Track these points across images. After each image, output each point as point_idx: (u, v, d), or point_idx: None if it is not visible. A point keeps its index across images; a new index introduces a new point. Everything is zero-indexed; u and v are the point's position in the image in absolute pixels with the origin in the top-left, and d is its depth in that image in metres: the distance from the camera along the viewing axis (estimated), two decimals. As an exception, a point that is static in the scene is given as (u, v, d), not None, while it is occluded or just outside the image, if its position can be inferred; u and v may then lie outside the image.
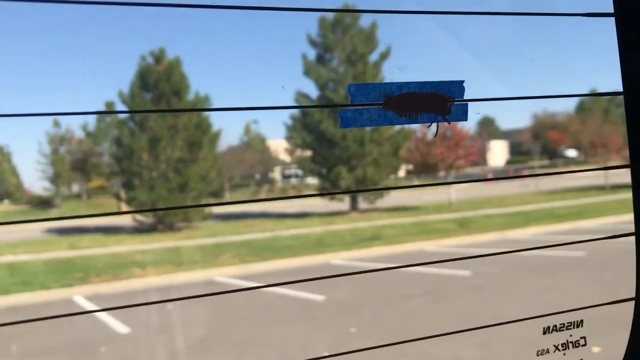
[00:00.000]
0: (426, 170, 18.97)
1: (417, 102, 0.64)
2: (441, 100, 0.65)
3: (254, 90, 22.89)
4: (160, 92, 15.38)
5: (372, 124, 0.63)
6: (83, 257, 11.50)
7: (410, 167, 19.79)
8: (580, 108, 23.52)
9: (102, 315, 6.45)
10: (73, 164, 18.46)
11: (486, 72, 22.10)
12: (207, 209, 15.59)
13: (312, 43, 16.65)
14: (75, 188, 20.66)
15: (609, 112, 22.08)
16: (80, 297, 8.17)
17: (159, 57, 15.60)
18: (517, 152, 27.70)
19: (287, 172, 22.94)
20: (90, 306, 7.56)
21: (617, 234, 0.83)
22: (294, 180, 22.83)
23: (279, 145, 20.84)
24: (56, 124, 17.75)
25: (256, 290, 7.14)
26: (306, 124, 17.06)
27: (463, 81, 0.66)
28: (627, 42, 0.68)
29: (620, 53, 0.69)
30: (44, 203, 19.63)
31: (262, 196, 20.93)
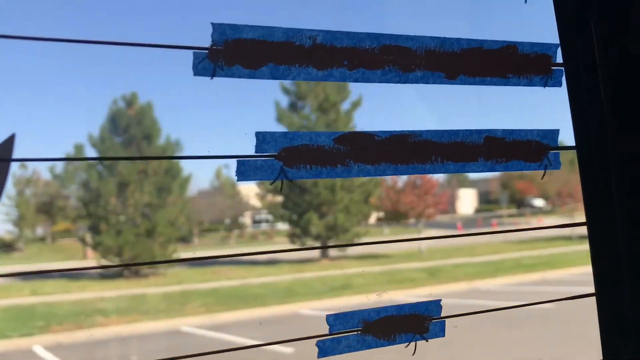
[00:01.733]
0: (396, 217, 19.04)
1: (396, 325, 0.64)
2: (419, 321, 0.65)
3: (226, 136, 22.91)
4: (130, 136, 15.27)
5: (351, 350, 0.62)
6: (45, 303, 11.14)
7: (381, 214, 19.86)
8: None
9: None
10: (38, 207, 18.09)
11: (440, 123, 22.56)
12: (174, 256, 15.34)
13: (285, 90, 16.81)
14: (40, 231, 20.18)
15: (575, 162, 22.53)
16: (39, 347, 7.89)
17: (130, 100, 15.55)
18: (486, 200, 28.07)
19: (258, 217, 22.82)
20: (49, 357, 7.30)
21: (579, 294, 0.82)
22: (264, 226, 22.69)
23: (249, 190, 20.78)
24: (23, 166, 17.45)
25: (223, 341, 6.93)
26: (277, 170, 17.01)
27: (440, 300, 0.68)
28: (577, 96, 0.68)
29: (571, 107, 0.69)
30: (6, 246, 19.09)
31: (232, 242, 20.72)
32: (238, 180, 0.54)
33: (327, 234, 16.61)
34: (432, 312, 0.65)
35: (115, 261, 14.74)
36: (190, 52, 0.53)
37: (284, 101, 17.14)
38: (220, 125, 23.25)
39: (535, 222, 23.85)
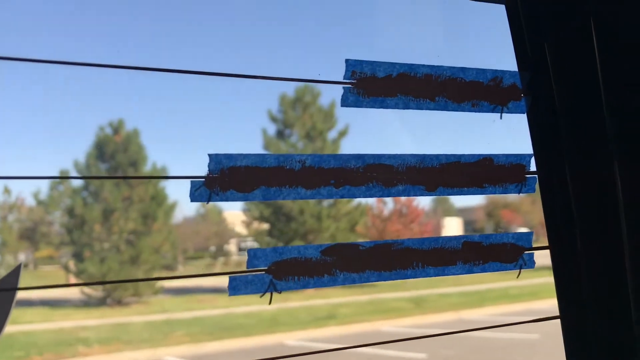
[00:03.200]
0: (382, 246, 19.02)
1: None
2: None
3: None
4: (116, 163, 15.23)
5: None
6: (25, 332, 10.96)
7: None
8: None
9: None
10: (21, 233, 17.90)
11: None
12: (158, 284, 15.21)
13: (273, 119, 16.91)
14: (22, 257, 19.94)
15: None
16: (18, 380, 7.78)
17: (117, 127, 15.55)
18: (471, 229, 28.23)
19: (243, 244, 22.71)
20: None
21: (546, 317, 0.86)
22: (249, 253, 22.58)
23: (235, 217, 20.71)
24: (6, 192, 17.31)
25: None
26: (264, 197, 17.02)
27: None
28: (549, 201, 0.72)
29: (544, 209, 0.73)
30: (-14, 272, 18.85)
31: (216, 270, 20.58)
32: (230, 294, 0.58)
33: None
34: None
35: (99, 289, 14.58)
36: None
37: (271, 129, 17.24)
38: (207, 152, 23.21)
39: (520, 251, 23.90)
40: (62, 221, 15.98)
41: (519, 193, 0.71)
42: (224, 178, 0.57)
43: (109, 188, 15.04)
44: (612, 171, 0.67)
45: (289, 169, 0.59)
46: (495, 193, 0.69)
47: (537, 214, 21.25)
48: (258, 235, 18.41)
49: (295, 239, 16.56)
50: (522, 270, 0.71)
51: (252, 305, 13.71)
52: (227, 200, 0.58)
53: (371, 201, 19.02)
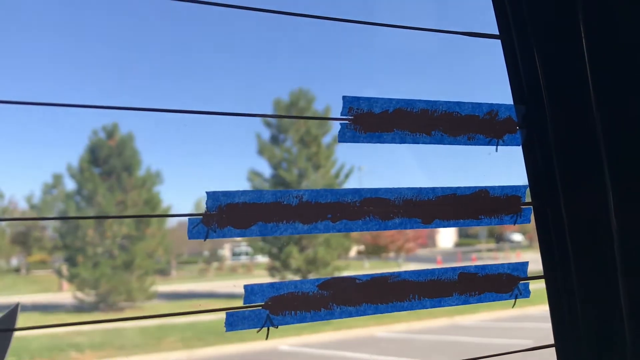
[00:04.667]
0: (377, 251, 19.07)
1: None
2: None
3: (207, 168, 22.89)
4: (110, 167, 15.19)
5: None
6: (17, 337, 10.87)
7: (361, 248, 19.88)
8: (528, 195, 24.37)
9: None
10: (14, 237, 17.81)
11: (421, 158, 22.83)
12: (152, 289, 15.15)
13: (267, 124, 16.90)
14: (15, 262, 19.84)
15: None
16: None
17: (111, 131, 15.51)
18: (465, 234, 28.31)
19: (237, 249, 22.68)
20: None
21: (540, 345, 0.86)
22: (243, 258, 22.56)
23: (229, 221, 20.65)
24: (-1, 196, 17.26)
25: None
26: (258, 202, 16.99)
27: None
28: (544, 230, 0.73)
29: (540, 240, 0.74)
30: (-21, 277, 18.73)
31: (210, 275, 20.54)
32: (227, 330, 0.58)
33: (307, 267, 16.56)
34: None
35: (91, 294, 14.52)
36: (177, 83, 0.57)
37: (266, 134, 17.23)
38: (202, 157, 23.23)
39: (514, 256, 23.99)
40: (55, 226, 15.92)
41: (514, 224, 0.71)
42: (222, 215, 0.57)
43: (102, 192, 14.99)
44: (606, 201, 0.68)
45: (286, 205, 0.60)
46: (490, 224, 0.70)
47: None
48: (252, 240, 18.39)
49: (290, 244, 16.54)
50: (517, 299, 0.72)
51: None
52: (224, 236, 0.58)
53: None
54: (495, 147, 0.69)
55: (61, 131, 20.87)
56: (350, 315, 0.62)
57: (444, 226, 0.67)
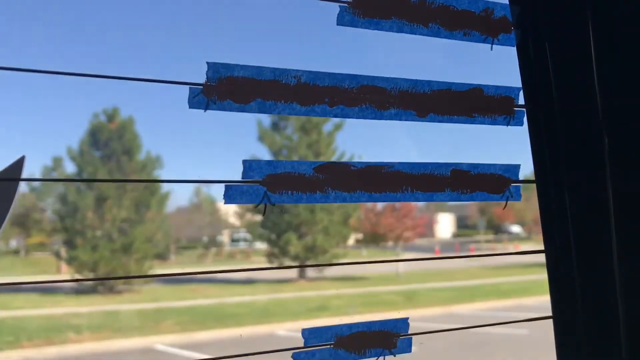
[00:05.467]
0: (375, 240, 19.11)
1: (366, 340, 0.70)
2: (388, 337, 0.71)
3: (207, 154, 22.91)
4: (110, 151, 15.19)
5: None
6: (15, 318, 10.94)
7: (360, 236, 19.93)
8: (524, 187, 24.45)
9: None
10: (13, 219, 17.84)
11: (419, 147, 22.80)
12: (150, 272, 15.18)
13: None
14: (14, 243, 19.89)
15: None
16: (8, 363, 7.76)
17: (112, 115, 15.50)
18: (464, 225, 28.35)
19: (236, 236, 22.73)
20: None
21: (529, 250, 0.88)
22: (242, 245, 22.60)
23: (228, 208, 20.72)
24: None
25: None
26: (257, 189, 17.01)
27: (407, 318, 0.75)
28: (537, 135, 0.74)
29: (532, 144, 0.75)
30: (-22, 258, 18.79)
31: (208, 260, 20.59)
32: (225, 202, 0.60)
33: (306, 254, 16.60)
34: (400, 329, 0.70)
35: (90, 276, 14.56)
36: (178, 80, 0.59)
37: (266, 121, 17.23)
38: (202, 142, 23.25)
39: (512, 248, 24.04)
40: (55, 208, 15.94)
41: (507, 125, 0.72)
42: (222, 87, 0.59)
43: (102, 175, 15.01)
44: (597, 105, 0.69)
45: (284, 84, 0.61)
46: (484, 123, 0.71)
47: (529, 211, 21.34)
48: (251, 226, 18.44)
49: (289, 231, 16.58)
50: (508, 202, 0.73)
51: (244, 295, 13.72)
52: (224, 109, 0.59)
53: (365, 195, 18.97)
54: (490, 45, 0.71)
55: (62, 113, 20.87)
56: (344, 200, 0.64)
57: (439, 121, 0.68)
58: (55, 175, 16.65)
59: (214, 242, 22.06)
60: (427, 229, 23.96)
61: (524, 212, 22.66)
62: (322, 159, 16.93)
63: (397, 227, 18.03)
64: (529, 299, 12.32)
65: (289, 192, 0.62)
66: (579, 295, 0.75)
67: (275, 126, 16.99)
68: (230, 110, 0.60)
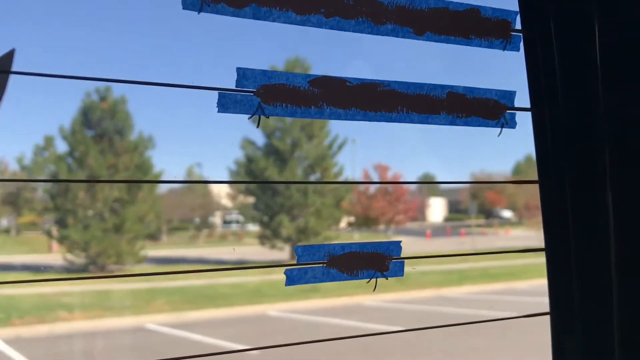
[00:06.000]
0: (367, 223, 19.15)
1: (359, 261, 0.70)
2: (380, 259, 0.71)
3: (199, 134, 22.81)
4: (102, 130, 15.10)
5: (316, 281, 0.69)
6: (6, 296, 10.93)
7: (352, 219, 19.97)
8: (516, 171, 24.62)
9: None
10: (4, 198, 17.77)
11: (419, 131, 22.77)
12: (142, 253, 15.18)
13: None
14: (4, 222, 19.80)
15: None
16: (-1, 340, 7.76)
17: (104, 94, 15.39)
18: (455, 210, 28.42)
19: (228, 217, 22.72)
20: (9, 351, 7.18)
21: (529, 248, 0.88)
22: (234, 226, 22.60)
23: (221, 189, 20.71)
24: (-11, 156, 17.16)
25: (188, 340, 6.91)
26: (250, 170, 17.04)
27: (400, 241, 0.74)
28: (533, 60, 0.74)
29: (528, 72, 0.75)
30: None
31: (201, 241, 20.61)
32: (219, 111, 0.59)
33: (298, 236, 16.62)
34: (393, 252, 0.70)
35: (81, 256, 14.54)
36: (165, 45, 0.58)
37: (260, 102, 17.07)
38: (193, 123, 23.12)
39: (502, 232, 24.16)
40: (46, 187, 15.86)
41: (503, 50, 0.72)
42: (216, -11, 0.58)
43: (94, 155, 14.93)
44: (594, 34, 0.68)
45: (280, -11, 0.60)
46: (480, 46, 0.70)
47: (521, 196, 21.44)
48: (243, 208, 18.43)
49: (281, 213, 16.58)
50: (503, 129, 0.73)
51: (236, 276, 13.74)
52: (217, 12, 0.58)
53: (358, 177, 19.06)
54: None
55: (54, 92, 20.71)
56: (339, 117, 0.63)
57: (435, 40, 0.67)
58: (46, 154, 16.56)
59: (206, 224, 22.05)
60: (419, 213, 24.05)
61: (515, 197, 22.75)
62: (315, 141, 16.90)
63: (389, 211, 18.08)
64: (518, 282, 12.41)
65: (283, 104, 0.61)
66: (577, 295, 0.75)
67: (268, 108, 16.90)
68: (224, 14, 0.58)
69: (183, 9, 0.57)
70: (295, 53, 16.02)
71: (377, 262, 0.69)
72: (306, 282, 0.66)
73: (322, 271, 0.66)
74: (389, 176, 18.38)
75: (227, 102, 0.60)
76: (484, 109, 0.71)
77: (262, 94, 0.61)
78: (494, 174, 25.11)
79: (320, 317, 9.17)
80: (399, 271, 0.70)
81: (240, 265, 15.57)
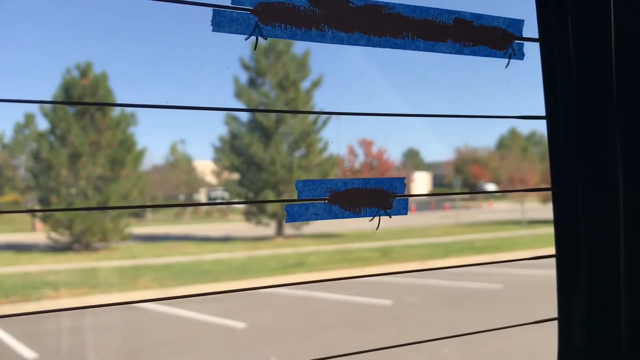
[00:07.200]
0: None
1: (361, 197, 0.67)
2: (384, 196, 0.68)
3: (182, 110, 22.54)
4: (84, 107, 14.88)
5: (318, 218, 0.65)
6: (-10, 275, 10.87)
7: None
8: (500, 145, 24.76)
9: (8, 340, 6.11)
10: (-15, 177, 17.55)
11: (407, 104, 22.76)
12: (127, 230, 15.09)
13: (245, 66, 16.63)
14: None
15: (527, 150, 23.25)
16: (-17, 318, 7.70)
17: (84, 70, 15.13)
18: (439, 184, 28.59)
19: (213, 194, 22.65)
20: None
21: (539, 255, 0.87)
22: (219, 203, 22.52)
23: (205, 166, 20.58)
24: (-31, 134, 16.87)
25: (176, 316, 6.93)
26: (235, 146, 16.94)
27: (404, 178, 0.70)
28: (550, 66, 0.71)
29: (544, 78, 0.72)
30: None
31: (186, 218, 20.53)
32: (213, 30, 0.55)
33: (283, 212, 16.60)
34: (396, 189, 0.67)
35: (66, 234, 14.42)
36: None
37: (243, 77, 16.98)
38: (176, 100, 22.89)
39: (486, 206, 24.36)
40: (28, 165, 15.67)
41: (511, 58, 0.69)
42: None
43: (76, 132, 14.73)
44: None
45: None
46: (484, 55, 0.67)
47: (505, 169, 21.56)
48: (228, 184, 18.35)
49: (266, 189, 16.54)
50: (511, 60, 0.70)
51: (222, 252, 13.74)
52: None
53: (342, 153, 19.02)
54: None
55: (33, 68, 20.32)
56: (341, 41, 0.59)
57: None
58: (27, 132, 16.32)
59: (190, 201, 21.98)
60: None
61: (499, 171, 22.89)
62: (300, 117, 16.82)
63: (375, 185, 18.09)
64: (502, 254, 12.54)
65: (282, 25, 0.57)
66: (585, 302, 0.74)
67: (252, 83, 16.78)
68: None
69: None
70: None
71: (380, 200, 0.66)
72: (307, 219, 0.62)
73: (323, 208, 0.63)
74: (374, 151, 18.39)
75: (222, 20, 0.55)
76: (492, 37, 0.67)
77: (260, 13, 0.56)
78: (478, 149, 25.23)
79: (307, 291, 9.21)
80: (402, 209, 0.67)
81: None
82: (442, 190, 27.56)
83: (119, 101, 15.51)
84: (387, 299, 7.75)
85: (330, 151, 17.46)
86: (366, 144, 18.32)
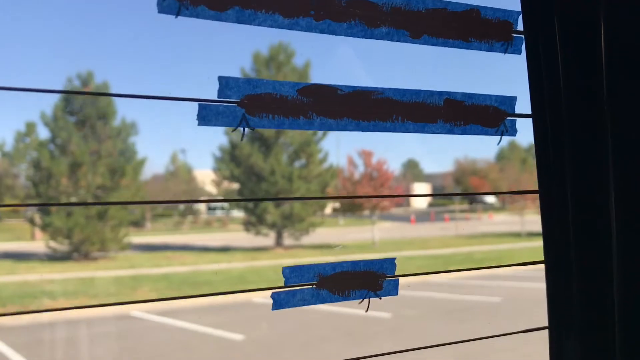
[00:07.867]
0: (352, 209, 19.17)
1: (350, 280, 0.65)
2: (373, 278, 0.67)
3: (182, 119, 22.60)
4: (85, 116, 14.90)
5: (305, 304, 0.63)
6: (-12, 285, 10.84)
7: (337, 205, 19.98)
8: (500, 156, 24.76)
9: (3, 348, 6.09)
10: (-16, 185, 17.54)
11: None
12: (126, 239, 15.07)
13: (246, 77, 16.64)
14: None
15: (526, 161, 23.25)
16: (-20, 329, 7.67)
17: (86, 80, 15.16)
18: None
19: (213, 204, 22.65)
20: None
21: (527, 261, 0.87)
22: (219, 213, 22.51)
23: (205, 176, 20.58)
24: (-30, 143, 16.87)
25: (173, 327, 6.90)
26: (235, 156, 16.94)
27: (395, 258, 0.70)
28: (535, 64, 0.71)
29: (529, 73, 0.71)
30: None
31: (185, 228, 20.50)
32: (199, 124, 0.54)
33: (283, 222, 16.58)
34: (387, 270, 0.66)
35: (65, 243, 14.40)
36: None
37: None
38: (177, 106, 22.92)
39: (486, 217, 24.31)
40: (28, 174, 15.66)
41: (504, 53, 0.68)
42: (195, -10, 0.53)
43: (76, 141, 14.74)
44: (599, 19, 0.64)
45: (266, -11, 0.55)
46: (480, 49, 0.66)
47: (504, 181, 21.55)
48: (228, 194, 18.33)
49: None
50: (503, 137, 0.69)
51: (221, 263, 13.71)
52: (197, 16, 0.53)
53: (342, 163, 19.02)
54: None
55: (34, 77, 20.36)
56: (330, 128, 0.59)
57: (432, 44, 0.63)
58: (28, 141, 16.32)
59: (190, 210, 21.96)
60: (403, 198, 24.11)
61: (498, 183, 22.88)
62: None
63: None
64: (502, 268, 12.52)
65: (270, 115, 0.57)
66: (576, 310, 0.73)
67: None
68: (205, 18, 0.53)
69: (159, 12, 0.51)
70: (279, 39, 15.89)
71: (370, 282, 0.65)
72: (294, 306, 0.61)
73: (311, 293, 0.62)
74: (374, 162, 18.39)
75: (208, 114, 0.55)
76: (484, 116, 0.67)
77: (247, 105, 0.56)
78: (477, 160, 25.22)
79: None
80: (392, 290, 0.66)
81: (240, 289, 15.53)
82: (442, 201, 27.57)
83: (120, 111, 15.53)
84: (386, 312, 7.72)
85: (330, 162, 17.49)
86: (366, 155, 18.33)
